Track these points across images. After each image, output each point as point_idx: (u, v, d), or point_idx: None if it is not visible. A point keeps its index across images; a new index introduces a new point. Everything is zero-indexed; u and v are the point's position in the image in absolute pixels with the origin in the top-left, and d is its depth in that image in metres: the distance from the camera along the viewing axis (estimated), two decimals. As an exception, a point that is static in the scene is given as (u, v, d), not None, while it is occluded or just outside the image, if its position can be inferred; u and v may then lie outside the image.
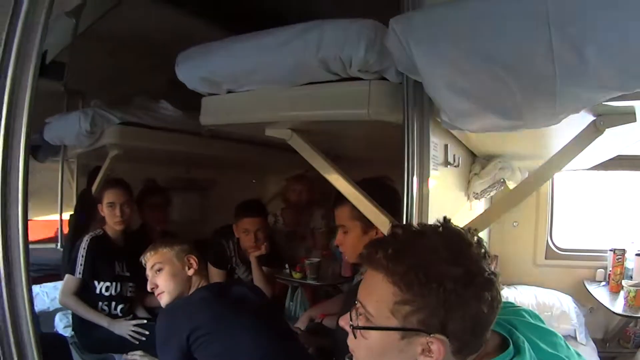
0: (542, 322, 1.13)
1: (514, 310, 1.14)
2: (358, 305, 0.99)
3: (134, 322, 2.88)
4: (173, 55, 2.23)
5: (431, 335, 0.91)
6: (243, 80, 1.98)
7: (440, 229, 1.00)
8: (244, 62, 1.93)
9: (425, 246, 0.95)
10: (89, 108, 3.15)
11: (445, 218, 1.03)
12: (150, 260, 2.18)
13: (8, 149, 1.24)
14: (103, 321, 2.88)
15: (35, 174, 4.86)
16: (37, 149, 4.26)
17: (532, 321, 1.10)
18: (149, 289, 2.17)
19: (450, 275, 0.90)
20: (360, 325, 0.98)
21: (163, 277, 2.13)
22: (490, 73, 1.29)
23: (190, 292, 2.14)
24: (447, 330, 0.91)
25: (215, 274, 3.23)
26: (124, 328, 2.84)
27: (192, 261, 2.17)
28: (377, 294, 0.95)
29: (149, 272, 2.18)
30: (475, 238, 0.99)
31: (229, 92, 2.08)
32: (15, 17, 1.19)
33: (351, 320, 0.99)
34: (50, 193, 4.46)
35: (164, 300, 2.13)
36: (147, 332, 2.81)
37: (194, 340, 1.86)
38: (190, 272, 2.16)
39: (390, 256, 0.94)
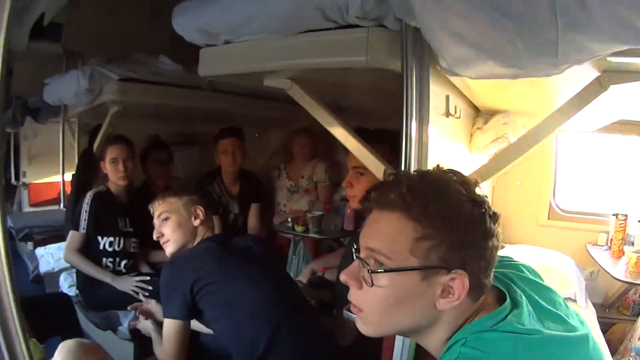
0: (540, 278, 1.11)
1: (513, 264, 1.11)
2: (366, 252, 0.95)
3: (138, 278, 2.90)
4: (172, 11, 2.20)
5: (452, 271, 0.89)
6: (240, 30, 1.95)
7: (439, 171, 0.99)
8: (240, 12, 1.90)
9: (438, 181, 0.94)
10: (87, 66, 3.13)
11: (438, 165, 1.01)
12: (157, 208, 2.16)
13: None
14: (107, 277, 2.91)
15: (36, 136, 4.89)
16: (38, 111, 4.26)
17: (531, 277, 1.08)
18: (154, 237, 2.16)
19: (467, 207, 0.90)
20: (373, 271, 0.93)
21: (169, 226, 2.11)
22: (489, 18, 1.25)
23: (196, 242, 2.13)
24: (466, 266, 0.90)
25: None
26: (128, 284, 2.87)
27: (198, 211, 2.14)
28: (393, 234, 0.92)
29: (155, 221, 2.16)
30: (473, 180, 0.98)
31: (227, 42, 2.05)
32: None
33: (361, 270, 0.95)
34: (53, 154, 4.48)
35: (169, 249, 2.12)
36: (150, 288, 2.83)
37: (198, 291, 1.87)
38: (197, 222, 2.13)
39: (406, 193, 0.91)
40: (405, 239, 0.90)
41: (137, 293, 2.78)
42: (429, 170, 1.01)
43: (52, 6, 3.16)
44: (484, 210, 0.92)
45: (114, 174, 3.00)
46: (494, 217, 0.94)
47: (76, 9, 3.24)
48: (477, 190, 0.95)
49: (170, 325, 1.91)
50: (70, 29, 3.50)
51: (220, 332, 1.94)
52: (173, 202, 2.15)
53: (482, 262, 0.91)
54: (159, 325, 2.09)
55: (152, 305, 2.30)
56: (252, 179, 3.85)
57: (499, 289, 1.00)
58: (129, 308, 2.39)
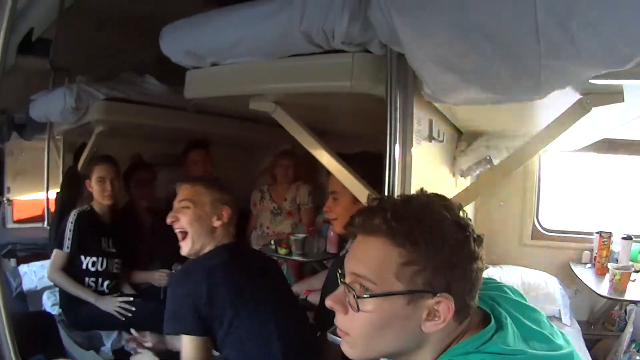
0: (524, 298, 1.11)
1: (496, 286, 1.12)
2: (351, 278, 0.95)
3: (121, 299, 2.88)
4: (159, 32, 2.22)
5: (438, 295, 0.90)
6: (227, 53, 1.96)
7: (423, 195, 1.00)
8: (228, 35, 1.91)
9: (422, 205, 0.95)
10: (73, 84, 3.13)
11: (422, 189, 1.02)
12: (182, 192, 1.98)
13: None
14: (90, 297, 2.89)
15: (21, 152, 4.84)
16: (23, 127, 4.23)
17: (515, 297, 1.08)
18: (168, 220, 1.98)
19: (451, 231, 0.91)
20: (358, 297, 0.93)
21: (187, 215, 1.93)
22: (473, 45, 1.27)
23: (211, 245, 1.97)
24: (451, 289, 0.90)
25: None
26: (110, 304, 2.85)
27: (224, 212, 1.96)
28: (379, 259, 0.92)
29: (175, 203, 1.97)
30: (457, 203, 0.99)
31: (213, 65, 2.07)
32: None
33: (347, 295, 0.95)
34: (37, 171, 4.44)
35: (185, 248, 1.96)
36: (133, 309, 2.82)
37: (210, 309, 1.77)
38: (217, 223, 1.95)
39: (390, 219, 0.91)
40: (391, 264, 0.90)
41: (120, 314, 2.76)
42: (412, 194, 1.02)
43: (41, 22, 3.17)
44: (468, 233, 0.93)
45: (100, 193, 2.99)
46: (478, 240, 0.95)
47: (64, 25, 3.23)
48: (461, 214, 0.96)
49: (189, 342, 1.78)
50: (58, 45, 3.49)
51: (227, 356, 1.84)
52: (201, 193, 1.96)
53: (467, 285, 0.92)
54: (158, 355, 2.01)
55: (148, 337, 2.14)
56: None
57: (483, 310, 1.00)
58: (125, 341, 2.29)
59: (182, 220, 1.94)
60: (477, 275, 0.94)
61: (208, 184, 2.01)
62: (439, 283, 0.90)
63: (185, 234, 1.95)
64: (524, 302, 1.09)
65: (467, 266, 0.92)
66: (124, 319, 2.82)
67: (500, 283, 1.15)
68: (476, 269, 0.93)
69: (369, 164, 1.90)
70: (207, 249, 1.97)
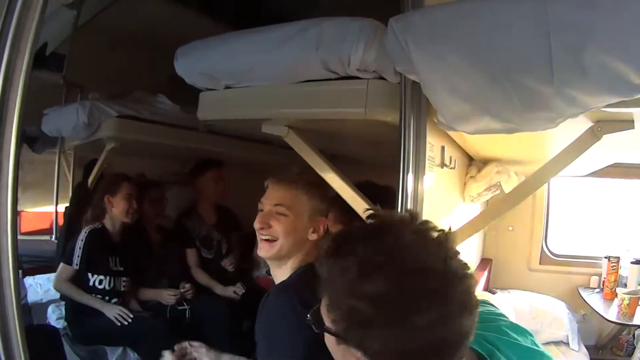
0: (525, 335, 1.05)
1: (495, 326, 1.03)
2: None
3: (124, 309, 2.89)
4: (173, 51, 2.24)
5: (352, 350, 0.82)
6: (242, 77, 1.99)
7: (383, 229, 0.85)
8: (244, 59, 1.93)
9: (351, 249, 0.83)
10: (86, 100, 3.15)
11: (411, 212, 0.95)
12: (277, 194, 1.64)
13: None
14: (96, 303, 2.89)
15: (32, 165, 4.87)
16: (35, 141, 4.25)
17: (516, 337, 1.02)
18: (256, 225, 1.62)
19: (362, 290, 0.78)
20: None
21: (283, 224, 1.59)
22: (487, 75, 1.29)
23: (297, 258, 1.62)
24: (367, 350, 0.80)
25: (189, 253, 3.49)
26: (113, 311, 2.87)
27: (320, 226, 1.65)
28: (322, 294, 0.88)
29: (266, 206, 1.64)
30: (433, 237, 0.85)
31: (227, 87, 2.09)
32: (10, 12, 1.18)
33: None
34: (47, 184, 4.46)
35: (269, 251, 1.61)
36: (131, 316, 2.85)
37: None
38: (313, 236, 1.63)
39: (325, 253, 0.86)
40: (323, 303, 0.88)
41: (119, 321, 2.81)
42: (379, 225, 0.90)
43: (54, 37, 3.20)
44: (408, 289, 0.78)
45: (125, 210, 3.01)
46: (422, 303, 0.77)
47: (78, 42, 3.27)
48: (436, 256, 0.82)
49: None
50: (72, 60, 3.53)
51: None
52: (302, 201, 1.63)
53: (393, 349, 0.78)
54: None
55: (199, 350, 1.77)
56: (228, 210, 3.87)
57: (480, 355, 0.93)
58: (175, 348, 1.77)
59: (275, 227, 1.60)
60: (416, 342, 0.78)
61: (309, 188, 1.66)
62: (352, 338, 0.82)
63: (274, 241, 1.61)
64: (524, 342, 1.02)
65: (391, 330, 0.78)
66: (119, 324, 2.83)
67: (499, 319, 1.08)
68: (411, 336, 0.77)
69: (373, 196, 1.89)
70: (293, 263, 1.64)
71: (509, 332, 1.03)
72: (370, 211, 0.95)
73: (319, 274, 0.88)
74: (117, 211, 3.02)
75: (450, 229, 0.90)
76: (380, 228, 0.86)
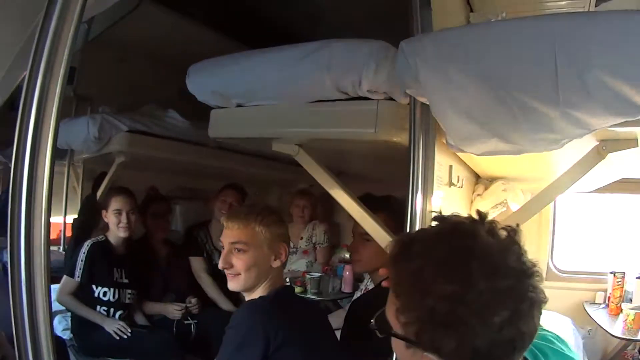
0: (568, 347, 1.06)
1: (542, 334, 1.03)
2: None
3: (124, 324, 2.89)
4: (183, 66, 2.26)
5: (425, 353, 0.82)
6: (253, 96, 2.02)
7: (457, 231, 0.86)
8: (255, 78, 1.96)
9: (424, 251, 0.84)
10: (97, 114, 3.18)
11: (480, 212, 0.91)
12: (234, 233, 1.68)
13: (35, 156, 1.26)
14: (97, 318, 2.89)
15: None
16: (44, 152, 4.27)
17: (563, 347, 1.03)
18: (220, 266, 1.70)
19: (439, 289, 0.79)
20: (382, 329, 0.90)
21: (243, 260, 1.66)
22: (495, 97, 1.32)
23: (267, 284, 1.71)
24: (440, 351, 0.80)
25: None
26: (112, 325, 2.86)
27: (282, 251, 1.72)
28: (389, 298, 0.88)
29: (226, 245, 1.70)
30: (503, 237, 0.85)
31: (238, 105, 2.11)
32: (46, 26, 1.21)
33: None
34: (55, 196, 4.46)
35: (236, 285, 1.71)
36: (129, 330, 2.84)
37: (274, 350, 1.55)
38: (276, 263, 1.71)
39: (391, 258, 0.88)
40: (392, 307, 0.87)
41: (118, 335, 2.81)
42: (446, 228, 0.90)
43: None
44: (482, 291, 0.78)
45: (115, 225, 2.99)
46: (498, 300, 0.78)
47: (89, 56, 3.30)
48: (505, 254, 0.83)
49: None
50: (83, 73, 3.56)
51: None
52: (258, 234, 1.67)
53: (467, 349, 0.79)
54: None
55: None
56: None
57: None
58: None
59: (237, 265, 1.68)
60: (490, 340, 0.78)
61: (263, 219, 1.70)
62: (425, 340, 0.81)
63: (238, 275, 1.70)
64: (570, 355, 1.04)
65: (466, 329, 0.78)
66: (117, 338, 2.83)
67: (545, 330, 1.07)
68: (488, 334, 0.78)
69: (390, 209, 1.92)
70: (261, 288, 1.73)
71: (554, 341, 1.05)
72: (436, 214, 0.96)
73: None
74: (110, 225, 3.03)
75: (518, 225, 0.87)
76: (454, 229, 0.87)
